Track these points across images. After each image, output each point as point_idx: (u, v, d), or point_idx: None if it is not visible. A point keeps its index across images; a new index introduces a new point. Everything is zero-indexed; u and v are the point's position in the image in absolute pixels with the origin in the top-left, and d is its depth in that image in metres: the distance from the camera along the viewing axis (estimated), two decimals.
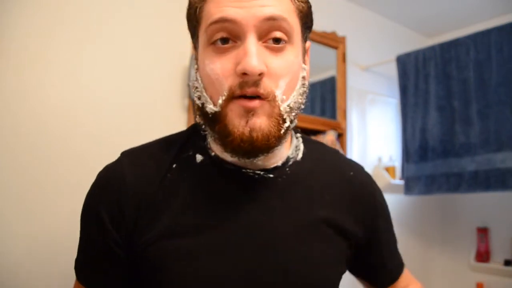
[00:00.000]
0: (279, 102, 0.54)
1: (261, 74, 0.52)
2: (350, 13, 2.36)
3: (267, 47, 0.54)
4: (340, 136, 2.01)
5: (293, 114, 0.57)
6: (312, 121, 1.90)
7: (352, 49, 2.24)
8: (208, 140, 0.63)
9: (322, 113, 2.06)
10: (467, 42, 1.95)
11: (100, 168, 0.63)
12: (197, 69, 0.60)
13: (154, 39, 1.58)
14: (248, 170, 0.60)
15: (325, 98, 2.13)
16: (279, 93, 0.54)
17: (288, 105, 0.55)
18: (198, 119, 0.60)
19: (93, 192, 0.61)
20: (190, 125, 1.57)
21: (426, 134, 2.07)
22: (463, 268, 2.39)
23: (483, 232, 2.31)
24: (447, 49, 2.03)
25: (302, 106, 0.59)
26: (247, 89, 0.52)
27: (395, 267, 0.75)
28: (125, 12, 1.52)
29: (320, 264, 0.61)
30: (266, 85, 0.53)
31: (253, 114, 0.53)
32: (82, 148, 1.36)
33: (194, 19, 0.58)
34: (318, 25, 2.06)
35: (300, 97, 0.58)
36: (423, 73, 2.12)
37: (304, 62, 0.61)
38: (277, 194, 0.61)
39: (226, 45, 0.54)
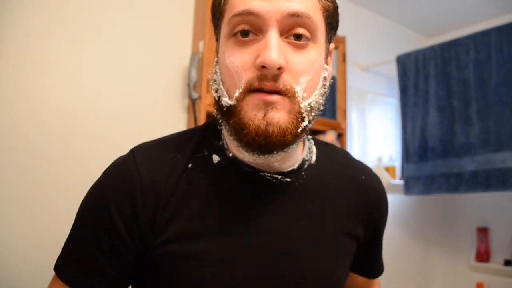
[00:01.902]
0: (300, 99, 0.53)
1: (280, 69, 0.51)
2: (350, 13, 2.37)
3: (289, 43, 0.53)
4: (340, 136, 2.01)
5: (313, 114, 0.55)
6: None
7: (352, 49, 2.24)
8: (225, 139, 0.61)
9: (322, 113, 2.05)
10: (467, 42, 1.95)
11: (100, 168, 0.60)
12: (216, 61, 0.59)
13: (154, 39, 1.58)
14: (266, 174, 0.59)
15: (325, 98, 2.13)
16: (299, 90, 0.53)
17: (309, 104, 0.54)
18: (215, 113, 0.58)
19: (101, 190, 0.57)
20: (190, 125, 1.58)
21: (426, 134, 2.07)
22: (463, 268, 2.39)
23: (483, 232, 2.31)
24: (447, 49, 2.03)
25: (322, 108, 0.58)
26: (266, 82, 0.51)
27: (380, 266, 0.78)
28: (125, 12, 1.52)
29: (335, 269, 0.62)
30: (285, 81, 0.51)
31: (272, 108, 0.51)
32: (82, 148, 1.36)
33: (218, 11, 0.57)
34: None
35: (321, 97, 0.57)
36: (423, 73, 2.12)
37: (326, 63, 0.59)
38: (294, 199, 0.60)
39: (247, 38, 0.53)
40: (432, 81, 2.07)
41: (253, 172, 0.59)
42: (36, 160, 1.28)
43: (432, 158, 2.03)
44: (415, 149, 2.11)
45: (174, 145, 0.61)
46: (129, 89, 1.50)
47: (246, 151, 0.54)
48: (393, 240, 2.32)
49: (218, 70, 0.57)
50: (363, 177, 0.70)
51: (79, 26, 1.41)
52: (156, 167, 0.57)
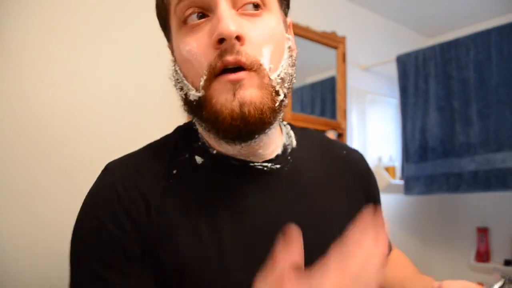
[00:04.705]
0: (268, 71, 0.51)
1: (239, 38, 0.48)
2: (350, 13, 2.36)
3: (243, 14, 0.51)
4: (340, 136, 2.01)
5: (285, 86, 0.53)
6: (312, 121, 1.90)
7: (352, 49, 2.24)
8: (204, 139, 0.59)
9: (322, 113, 2.06)
10: (467, 42, 1.95)
11: (100, 167, 0.58)
12: (174, 60, 0.58)
13: (155, 39, 1.58)
14: (256, 163, 0.57)
15: (325, 98, 2.13)
16: (265, 61, 0.50)
17: (278, 76, 0.52)
18: (185, 110, 0.57)
19: (90, 211, 0.53)
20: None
21: (426, 134, 2.07)
22: (463, 268, 2.39)
23: (483, 232, 2.31)
24: (447, 49, 2.03)
25: (294, 80, 0.56)
26: (228, 57, 0.48)
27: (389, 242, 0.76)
28: (125, 12, 1.52)
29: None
30: (248, 53, 0.49)
31: (240, 86, 0.48)
32: (82, 148, 1.36)
33: (162, 9, 0.56)
34: (318, 25, 2.06)
35: (290, 68, 0.55)
36: (423, 73, 2.12)
37: (287, 33, 0.58)
38: (286, 183, 0.59)
39: (198, 21, 0.51)
40: (432, 81, 2.07)
41: (241, 165, 0.57)
42: (36, 160, 1.28)
43: (432, 158, 2.03)
44: (415, 149, 2.11)
45: (149, 154, 0.58)
46: (128, 89, 1.50)
47: (227, 143, 0.53)
48: (393, 240, 2.31)
49: (177, 68, 0.56)
50: (344, 152, 0.72)
51: (79, 26, 1.41)
52: (137, 179, 0.53)
